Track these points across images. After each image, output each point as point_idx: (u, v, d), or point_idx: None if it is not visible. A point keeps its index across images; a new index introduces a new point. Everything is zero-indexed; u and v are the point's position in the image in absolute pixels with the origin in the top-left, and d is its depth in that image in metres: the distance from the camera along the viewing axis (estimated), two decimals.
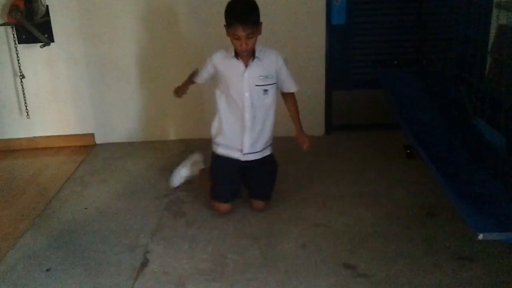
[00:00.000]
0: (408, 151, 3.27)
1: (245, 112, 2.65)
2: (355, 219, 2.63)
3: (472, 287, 2.07)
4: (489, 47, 2.80)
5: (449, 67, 2.92)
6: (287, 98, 2.82)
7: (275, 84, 2.69)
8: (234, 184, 2.78)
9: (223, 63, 2.67)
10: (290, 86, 2.76)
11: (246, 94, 2.63)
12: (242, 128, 2.68)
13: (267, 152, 2.79)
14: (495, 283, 2.10)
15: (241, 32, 2.46)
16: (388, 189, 2.94)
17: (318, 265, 2.26)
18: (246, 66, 2.62)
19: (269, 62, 2.65)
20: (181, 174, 3.05)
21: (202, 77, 2.79)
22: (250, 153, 2.72)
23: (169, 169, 3.30)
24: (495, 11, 2.80)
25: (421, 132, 2.67)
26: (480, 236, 1.52)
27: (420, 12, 3.39)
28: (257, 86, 2.64)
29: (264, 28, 3.50)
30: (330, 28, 3.58)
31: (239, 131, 2.70)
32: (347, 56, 3.70)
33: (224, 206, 2.73)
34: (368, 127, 3.81)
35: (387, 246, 2.39)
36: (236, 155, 2.73)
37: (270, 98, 2.69)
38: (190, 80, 2.82)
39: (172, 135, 3.85)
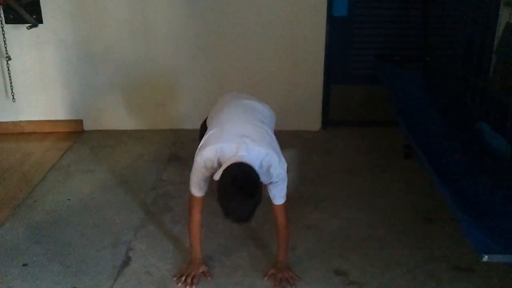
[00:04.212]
0: (406, 150, 3.17)
1: None
2: (348, 222, 2.52)
3: None
4: (495, 46, 2.68)
5: (453, 66, 2.80)
6: (273, 209, 2.14)
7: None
8: None
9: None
10: (276, 198, 2.10)
11: None
12: None
13: None
14: None
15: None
16: (384, 190, 2.83)
17: (308, 271, 2.16)
18: None
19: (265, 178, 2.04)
20: None
21: (201, 190, 2.11)
22: None
23: (158, 161, 3.20)
24: (504, 10, 2.67)
25: (421, 132, 2.55)
26: (485, 258, 1.41)
27: (426, 7, 3.25)
28: None
29: (262, 18, 3.41)
30: (331, 20, 3.44)
31: None
32: (347, 49, 3.57)
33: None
34: (366, 123, 3.68)
35: (381, 252, 2.28)
36: None
37: None
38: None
39: (163, 125, 3.71)
